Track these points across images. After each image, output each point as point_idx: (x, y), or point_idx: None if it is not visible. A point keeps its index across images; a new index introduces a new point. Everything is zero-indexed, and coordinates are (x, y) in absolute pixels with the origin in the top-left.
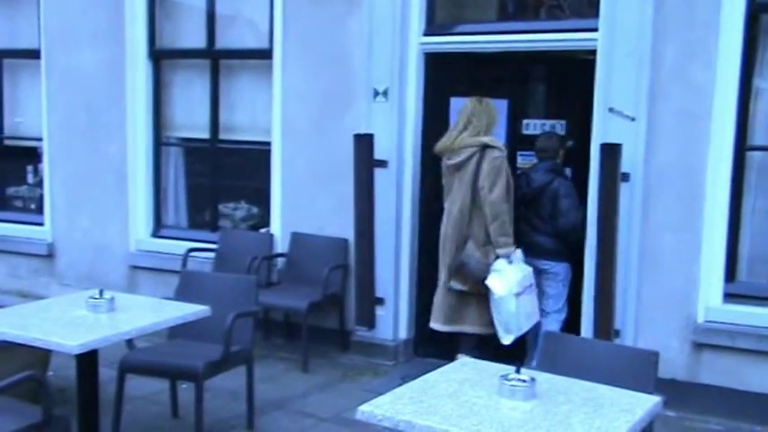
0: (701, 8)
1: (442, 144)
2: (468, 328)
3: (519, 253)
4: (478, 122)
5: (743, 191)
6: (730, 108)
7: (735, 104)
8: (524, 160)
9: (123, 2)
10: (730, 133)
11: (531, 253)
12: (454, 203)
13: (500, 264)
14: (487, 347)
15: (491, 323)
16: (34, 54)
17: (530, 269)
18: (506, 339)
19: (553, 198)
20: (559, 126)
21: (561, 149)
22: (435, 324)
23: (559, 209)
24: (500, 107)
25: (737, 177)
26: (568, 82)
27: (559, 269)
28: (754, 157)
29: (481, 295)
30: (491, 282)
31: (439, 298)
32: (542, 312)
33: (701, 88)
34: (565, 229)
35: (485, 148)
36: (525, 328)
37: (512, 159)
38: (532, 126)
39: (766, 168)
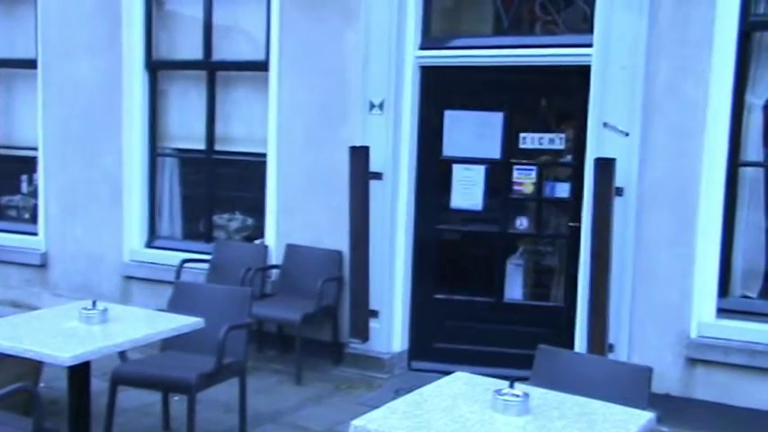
0: (695, 25)
1: None
2: None
3: None
4: None
5: (736, 206)
6: (723, 124)
7: (728, 120)
8: (521, 174)
9: (120, 13)
10: (723, 149)
11: None
12: None
13: None
14: None
15: None
16: (31, 64)
17: None
18: None
19: None
20: (558, 140)
21: None
22: None
23: None
24: (495, 121)
25: (731, 193)
26: (568, 94)
27: None
28: (746, 173)
29: None
30: None
31: None
32: None
33: (695, 104)
34: None
35: None
36: None
37: (509, 173)
38: (530, 140)
39: (759, 184)
